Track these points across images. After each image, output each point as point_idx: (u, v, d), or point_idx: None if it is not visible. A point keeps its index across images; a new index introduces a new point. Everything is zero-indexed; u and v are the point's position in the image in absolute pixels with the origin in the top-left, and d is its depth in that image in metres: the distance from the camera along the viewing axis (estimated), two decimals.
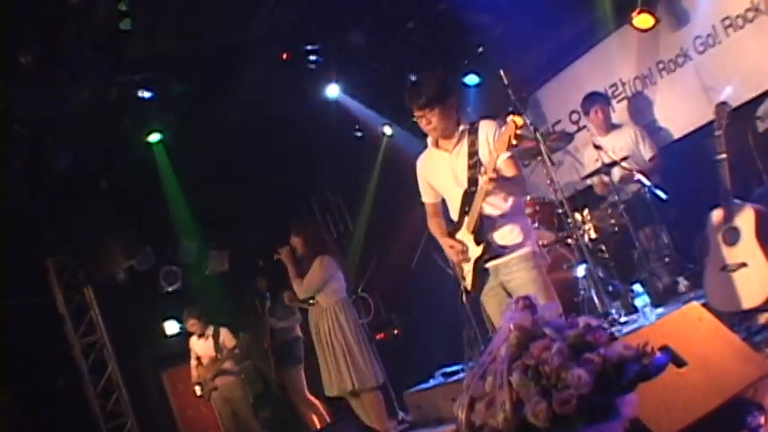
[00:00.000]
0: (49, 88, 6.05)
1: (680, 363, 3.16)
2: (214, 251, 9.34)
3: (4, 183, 7.12)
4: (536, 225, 6.10)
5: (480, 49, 7.63)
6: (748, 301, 4.39)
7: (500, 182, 3.79)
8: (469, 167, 3.96)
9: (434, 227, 4.29)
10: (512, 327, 2.92)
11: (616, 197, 6.05)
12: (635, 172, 6.04)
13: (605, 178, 6.22)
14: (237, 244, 9.37)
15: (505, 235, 3.99)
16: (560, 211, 6.15)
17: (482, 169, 3.83)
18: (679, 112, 6.63)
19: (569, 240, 6.22)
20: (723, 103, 4.74)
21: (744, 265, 4.43)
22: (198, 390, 7.93)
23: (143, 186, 8.12)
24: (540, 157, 6.05)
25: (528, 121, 6.66)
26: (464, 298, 4.26)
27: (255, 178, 9.00)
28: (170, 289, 9.10)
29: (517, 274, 3.96)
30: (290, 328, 7.30)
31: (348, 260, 8.86)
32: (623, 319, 5.35)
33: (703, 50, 6.27)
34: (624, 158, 6.12)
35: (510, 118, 3.82)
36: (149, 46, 6.21)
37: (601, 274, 5.88)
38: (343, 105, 8.04)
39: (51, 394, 8.37)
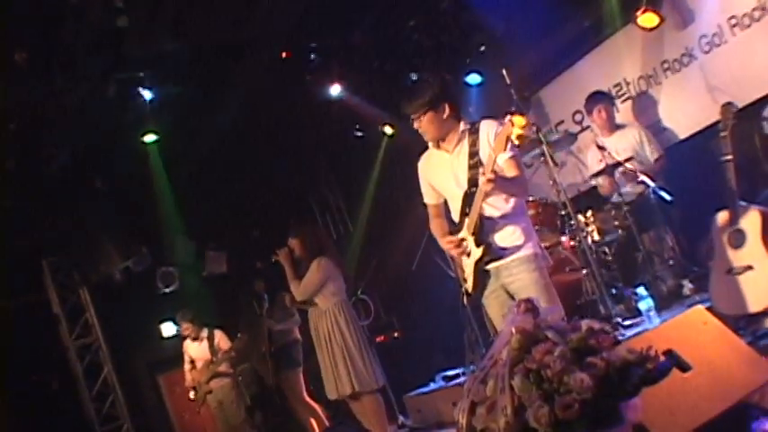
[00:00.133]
0: (44, 86, 6.04)
1: (684, 367, 3.16)
2: (212, 252, 9.35)
3: None
4: (537, 227, 6.09)
5: (482, 48, 7.62)
6: (754, 304, 4.38)
7: (500, 183, 3.78)
8: (470, 168, 3.97)
9: (436, 228, 4.30)
10: (513, 330, 2.91)
11: (620, 199, 6.04)
12: (639, 173, 6.03)
13: (609, 179, 6.21)
14: (235, 245, 9.38)
15: (506, 236, 3.99)
16: (563, 212, 6.15)
17: (481, 170, 3.84)
18: (684, 112, 6.62)
19: (572, 242, 6.21)
20: (729, 104, 4.73)
21: (750, 268, 4.43)
22: (192, 394, 7.92)
23: (139, 186, 8.11)
24: (542, 158, 6.05)
25: (530, 121, 6.68)
26: (465, 300, 4.26)
27: (254, 178, 9.00)
28: (167, 290, 9.10)
29: (518, 276, 3.95)
30: (289, 330, 7.29)
31: (348, 261, 8.87)
32: (627, 323, 5.34)
33: (709, 50, 6.26)
34: (628, 159, 6.11)
35: (508, 118, 3.81)
36: (146, 44, 6.20)
37: (604, 277, 5.87)
38: (343, 105, 8.04)
39: (45, 397, 8.36)
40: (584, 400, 2.61)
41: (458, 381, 6.48)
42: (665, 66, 6.66)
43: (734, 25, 6.04)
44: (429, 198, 4.33)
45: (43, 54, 5.70)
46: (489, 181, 3.71)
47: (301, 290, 6.03)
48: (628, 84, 7.02)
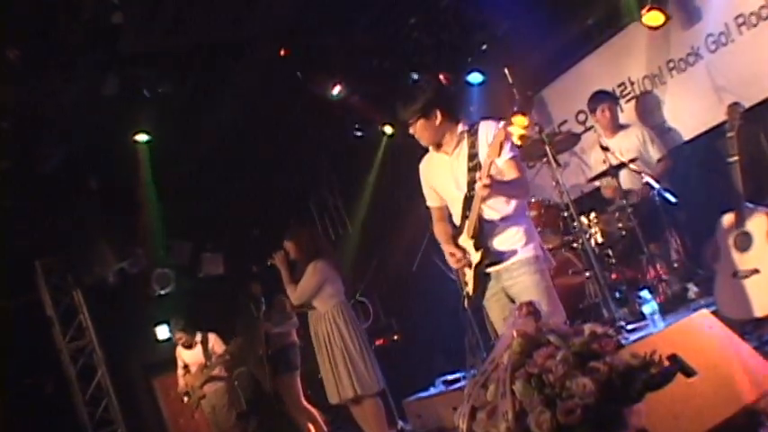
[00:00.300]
0: (37, 84, 6.04)
1: (689, 372, 3.16)
2: (208, 254, 9.35)
3: None
4: (540, 228, 6.09)
5: (484, 47, 7.61)
6: (760, 308, 4.38)
7: (497, 187, 3.78)
8: (469, 170, 3.98)
9: (439, 232, 4.31)
10: (515, 334, 2.91)
11: (624, 200, 6.04)
12: (643, 174, 6.03)
13: (613, 181, 6.21)
14: (232, 246, 9.38)
15: (507, 239, 4.00)
16: (566, 214, 6.14)
17: (478, 175, 3.84)
18: (690, 112, 6.62)
19: (575, 244, 6.21)
20: (735, 104, 4.74)
21: (756, 271, 4.43)
22: (185, 398, 7.92)
23: (135, 187, 8.10)
24: (545, 159, 6.05)
25: (533, 121, 6.69)
26: (466, 303, 4.27)
27: (251, 179, 9.00)
28: (162, 292, 9.10)
29: (519, 278, 3.96)
30: (286, 333, 7.29)
31: (346, 263, 8.87)
32: (630, 327, 5.33)
33: (715, 49, 6.26)
34: (632, 160, 6.11)
35: (502, 124, 3.83)
36: (143, 42, 6.19)
37: (607, 280, 5.87)
38: (342, 103, 8.04)
39: (38, 400, 8.36)
40: (586, 406, 2.61)
41: (458, 385, 6.47)
42: (671, 65, 6.65)
43: (741, 24, 6.03)
44: (431, 201, 4.34)
45: (37, 51, 5.69)
46: (486, 186, 3.71)
47: (298, 294, 6.06)
48: (632, 83, 7.01)
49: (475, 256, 4.01)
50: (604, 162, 6.10)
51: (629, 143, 6.45)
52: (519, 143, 6.72)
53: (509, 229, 4.00)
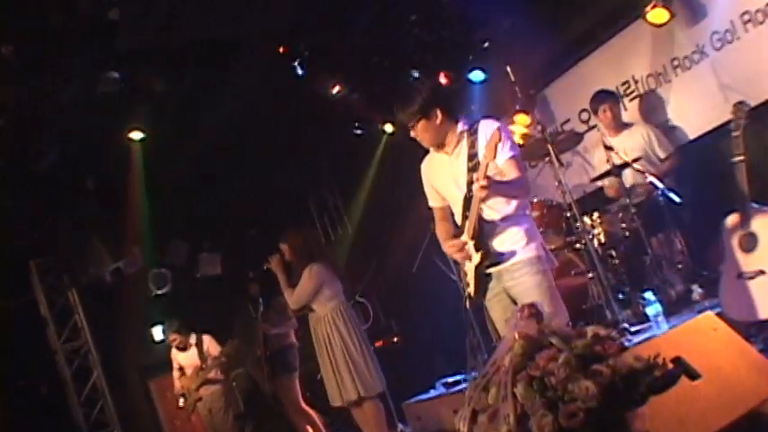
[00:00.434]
0: (32, 82, 6.03)
1: (693, 375, 3.16)
2: (206, 254, 9.34)
3: None
4: (542, 229, 6.09)
5: (486, 45, 7.62)
6: (766, 310, 4.38)
7: (495, 187, 3.78)
8: (469, 170, 3.98)
9: (440, 231, 4.33)
10: (516, 335, 2.91)
11: (627, 200, 6.04)
12: (647, 174, 6.02)
13: (616, 181, 6.21)
14: (230, 246, 9.38)
15: (507, 239, 4.00)
16: (568, 214, 6.15)
17: (475, 176, 3.84)
18: (694, 111, 6.61)
19: (578, 245, 6.21)
20: (741, 103, 4.73)
21: (761, 272, 4.42)
22: (181, 401, 7.92)
23: (130, 185, 8.09)
24: (547, 158, 6.04)
25: (536, 120, 6.69)
26: (468, 304, 4.27)
27: (250, 178, 9.00)
28: (159, 292, 9.09)
29: (520, 279, 3.96)
30: (285, 334, 7.29)
31: (345, 263, 8.87)
32: (634, 329, 5.34)
33: (721, 47, 6.25)
34: (636, 159, 6.11)
35: (496, 126, 3.83)
36: (140, 39, 6.19)
37: (611, 281, 5.86)
38: (342, 102, 8.03)
39: (33, 402, 8.35)
40: (589, 409, 2.61)
41: (459, 387, 6.47)
42: (675, 63, 6.65)
43: (747, 21, 6.02)
44: (433, 201, 4.35)
45: (31, 48, 5.69)
46: (483, 188, 3.71)
47: (294, 299, 6.12)
48: (636, 82, 7.01)
49: (475, 257, 4.01)
50: (608, 161, 6.10)
51: (633, 142, 6.45)
52: (521, 142, 6.73)
53: (510, 230, 4.00)
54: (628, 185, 6.21)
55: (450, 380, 6.81)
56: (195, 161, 8.22)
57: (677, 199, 5.89)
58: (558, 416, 2.64)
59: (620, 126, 6.61)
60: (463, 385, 6.42)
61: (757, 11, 5.94)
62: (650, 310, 5.23)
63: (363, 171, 9.30)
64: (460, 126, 4.09)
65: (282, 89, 7.67)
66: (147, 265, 8.91)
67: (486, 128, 3.98)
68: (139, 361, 9.35)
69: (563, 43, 7.51)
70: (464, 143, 4.04)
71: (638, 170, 6.10)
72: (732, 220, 4.60)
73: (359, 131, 8.82)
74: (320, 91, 7.72)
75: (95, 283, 8.65)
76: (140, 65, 6.49)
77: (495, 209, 4.00)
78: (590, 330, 2.89)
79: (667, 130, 6.71)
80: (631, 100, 7.04)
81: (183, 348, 7.90)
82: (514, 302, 3.98)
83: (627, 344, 3.27)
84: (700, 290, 5.66)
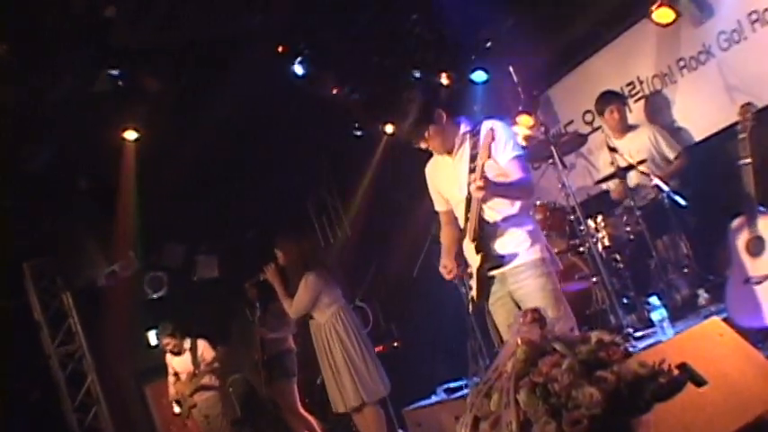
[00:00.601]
0: (26, 80, 6.03)
1: (699, 381, 3.16)
2: (202, 256, 9.34)
3: None
4: (545, 232, 6.09)
5: (488, 44, 7.61)
6: None
7: (494, 188, 3.80)
8: (470, 172, 3.98)
9: (443, 237, 4.37)
10: (519, 341, 2.91)
11: (632, 203, 6.04)
12: (653, 176, 6.02)
13: (621, 183, 6.21)
14: (228, 249, 9.38)
15: (510, 241, 4.01)
16: (572, 217, 6.15)
17: (472, 177, 3.85)
18: (700, 112, 6.62)
19: (581, 249, 6.21)
20: (748, 104, 4.73)
21: None
22: (176, 408, 7.91)
23: (125, 186, 8.08)
24: (550, 160, 6.04)
25: (539, 121, 6.69)
26: (471, 308, 4.27)
27: (248, 179, 9.00)
28: (155, 296, 9.09)
29: (525, 282, 3.97)
30: (282, 339, 7.29)
31: (345, 267, 8.87)
32: (639, 334, 5.33)
33: (728, 47, 6.25)
34: (641, 162, 6.11)
35: (489, 127, 3.84)
36: (136, 37, 6.19)
37: (615, 286, 5.86)
38: (341, 102, 8.03)
39: (25, 407, 8.34)
40: (593, 416, 2.61)
41: (460, 393, 6.46)
42: (681, 64, 6.65)
43: (754, 21, 6.02)
44: (438, 205, 4.37)
45: (25, 46, 5.68)
46: (479, 188, 3.71)
47: (293, 310, 6.20)
48: (641, 82, 7.01)
49: (476, 260, 4.02)
50: (612, 164, 6.10)
51: (639, 144, 6.45)
52: (523, 144, 6.72)
53: (512, 231, 4.01)
54: (632, 188, 6.21)
55: (452, 386, 6.80)
56: (192, 162, 8.21)
57: (683, 202, 5.89)
58: (562, 423, 2.64)
59: (625, 128, 6.61)
60: (464, 391, 6.42)
61: (765, 10, 5.94)
62: (655, 315, 5.22)
63: (363, 172, 9.30)
64: (463, 127, 4.10)
65: (281, 89, 7.66)
66: (142, 267, 8.90)
67: (488, 128, 3.99)
68: (135, 365, 9.34)
69: (567, 43, 7.52)
70: (467, 144, 4.05)
71: (643, 172, 6.10)
72: (739, 223, 4.60)
73: (359, 132, 8.82)
74: (320, 91, 7.72)
75: (90, 286, 8.64)
76: (136, 64, 6.49)
77: (497, 209, 4.00)
78: (594, 336, 2.89)
79: (672, 132, 6.71)
80: (636, 101, 7.04)
81: (178, 353, 7.90)
82: (518, 306, 3.99)
83: (631, 349, 3.28)
84: (706, 294, 5.66)
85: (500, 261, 4.00)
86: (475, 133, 4.03)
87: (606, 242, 6.16)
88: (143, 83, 6.61)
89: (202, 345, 7.86)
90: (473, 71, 7.73)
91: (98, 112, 6.82)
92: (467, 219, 4.04)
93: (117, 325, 8.88)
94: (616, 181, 6.28)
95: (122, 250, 8.52)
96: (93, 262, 8.44)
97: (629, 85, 7.08)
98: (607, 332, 2.95)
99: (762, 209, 4.53)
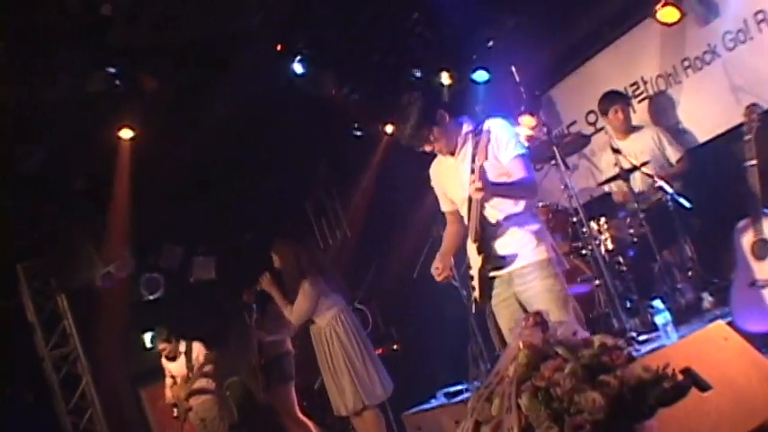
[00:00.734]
0: (20, 79, 6.03)
1: (704, 387, 3.16)
2: (199, 257, 9.33)
3: None
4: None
5: (490, 44, 7.62)
6: None
7: (493, 189, 3.80)
8: (472, 172, 3.97)
9: (445, 237, 4.38)
10: (521, 345, 2.91)
11: (635, 205, 6.04)
12: (656, 178, 6.02)
13: (624, 185, 6.21)
14: (225, 250, 9.37)
15: (511, 242, 4.01)
16: (575, 219, 6.14)
17: (471, 178, 3.85)
18: (705, 113, 6.62)
19: (584, 251, 6.21)
20: (754, 105, 4.74)
21: None
22: (175, 411, 7.91)
23: (120, 186, 8.07)
24: (553, 161, 6.05)
25: (541, 122, 6.69)
26: (474, 309, 4.27)
27: (245, 180, 9.00)
28: (151, 297, 9.08)
29: (531, 283, 3.96)
30: (280, 342, 7.28)
31: (344, 269, 8.87)
32: (642, 338, 5.34)
33: (733, 47, 6.26)
34: (645, 163, 6.11)
35: (487, 128, 3.84)
36: (133, 35, 6.19)
37: (618, 289, 5.86)
38: (340, 102, 8.03)
39: (18, 410, 8.33)
40: (595, 421, 2.60)
41: (461, 397, 6.47)
42: (686, 64, 6.65)
43: (761, 21, 6.03)
44: (444, 206, 4.39)
45: (20, 45, 5.68)
46: (477, 190, 3.71)
47: (294, 318, 6.25)
48: (645, 83, 7.02)
49: (477, 260, 4.02)
50: (615, 165, 6.10)
51: (642, 145, 6.45)
52: (526, 144, 6.71)
53: (515, 231, 4.01)
54: (636, 190, 6.21)
55: (452, 390, 6.81)
56: (190, 162, 8.21)
57: (687, 204, 5.89)
58: (564, 428, 2.64)
59: (629, 128, 6.62)
60: (465, 395, 6.42)
61: None
62: (659, 319, 5.22)
63: (363, 173, 9.30)
64: (465, 127, 4.10)
65: (280, 89, 7.66)
66: (138, 269, 8.90)
67: (492, 126, 3.99)
68: (130, 368, 9.33)
69: (570, 43, 7.52)
70: (469, 144, 4.05)
71: (647, 174, 6.10)
72: (744, 226, 4.60)
73: (358, 132, 8.82)
74: (319, 91, 7.72)
75: (85, 288, 8.63)
76: (134, 63, 6.49)
77: (499, 209, 4.00)
78: (597, 340, 2.89)
79: (678, 133, 6.71)
80: (640, 102, 7.05)
81: (173, 358, 7.90)
82: (524, 308, 3.98)
83: (635, 354, 3.28)
84: (710, 298, 5.66)
85: (501, 262, 4.00)
86: (477, 133, 4.03)
87: (609, 245, 6.17)
88: (140, 82, 6.61)
89: (198, 347, 7.86)
90: (474, 71, 7.73)
91: (95, 111, 6.82)
92: (469, 219, 4.04)
93: (112, 327, 8.87)
94: (619, 183, 6.28)
95: (118, 251, 8.51)
96: (88, 263, 8.43)
97: (632, 85, 7.09)
98: (610, 336, 2.94)
99: (767, 211, 4.53)
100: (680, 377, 2.88)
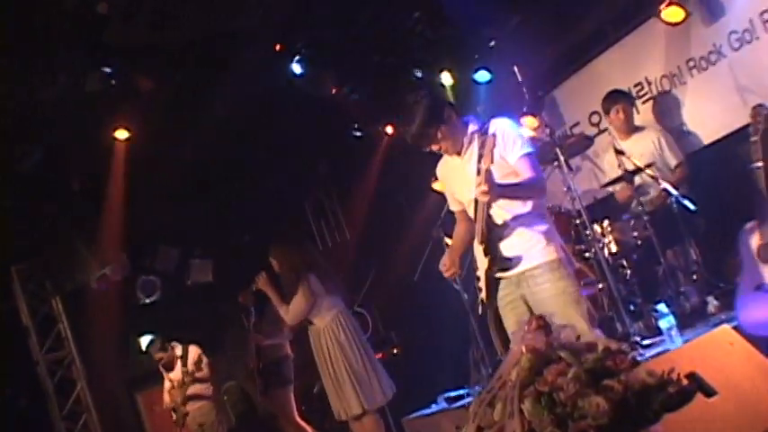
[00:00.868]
0: (16, 79, 6.04)
1: (709, 392, 3.16)
2: (197, 260, 9.33)
3: None
4: None
5: (492, 43, 7.62)
6: None
7: (500, 190, 3.78)
8: (478, 173, 3.97)
9: (454, 235, 4.40)
10: (524, 349, 2.91)
11: (640, 208, 6.04)
12: (661, 180, 6.02)
13: (628, 186, 6.21)
14: (223, 252, 9.37)
15: (518, 243, 4.00)
16: (578, 221, 6.14)
17: (477, 180, 3.85)
18: (711, 114, 6.62)
19: (587, 254, 6.21)
20: (760, 106, 4.73)
21: None
22: (173, 414, 7.92)
23: (116, 187, 8.07)
24: (555, 163, 6.05)
25: (544, 123, 6.69)
26: (480, 310, 4.27)
27: (243, 181, 9.00)
28: (147, 300, 9.08)
29: (543, 285, 3.96)
30: (279, 345, 7.29)
31: (344, 272, 8.87)
32: (646, 343, 5.34)
33: (739, 47, 6.26)
34: (649, 165, 6.11)
35: (492, 131, 3.84)
36: (130, 34, 6.19)
37: (622, 293, 5.86)
38: (340, 102, 8.04)
39: (12, 416, 8.33)
40: (599, 427, 2.60)
41: (462, 402, 6.47)
42: (691, 64, 6.66)
43: (767, 20, 6.03)
44: (452, 206, 4.40)
45: (16, 43, 5.69)
46: (483, 193, 3.71)
47: (290, 317, 6.22)
48: (649, 83, 7.02)
49: (484, 262, 4.03)
50: (619, 167, 6.10)
51: (643, 147, 6.46)
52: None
53: (522, 232, 4.00)
54: (640, 192, 6.21)
55: (453, 394, 6.81)
56: (187, 163, 8.22)
57: (692, 206, 5.89)
58: None
59: (631, 129, 6.62)
60: (466, 400, 6.42)
61: None
62: (663, 323, 5.21)
63: (363, 174, 9.31)
64: (471, 127, 4.11)
65: (279, 89, 7.67)
66: (134, 271, 8.90)
67: (496, 128, 3.99)
68: (126, 373, 9.33)
69: (573, 42, 7.52)
70: (475, 144, 4.04)
71: (651, 176, 6.10)
72: (750, 228, 4.60)
73: (358, 133, 8.83)
74: (318, 91, 7.73)
75: (80, 291, 8.63)
76: (130, 62, 6.49)
77: (506, 209, 4.00)
78: (600, 344, 2.89)
79: (682, 135, 6.71)
80: (644, 102, 7.05)
81: (170, 368, 7.89)
82: (531, 310, 3.97)
83: (639, 358, 3.28)
84: (715, 302, 5.66)
85: (507, 264, 4.00)
86: (483, 132, 4.02)
87: (613, 247, 6.16)
88: (137, 82, 6.61)
89: (194, 351, 7.86)
90: (476, 71, 7.73)
91: (91, 111, 6.83)
92: (476, 220, 4.04)
93: (108, 331, 8.87)
94: (623, 184, 6.28)
95: (114, 253, 8.51)
96: (83, 265, 8.43)
97: (636, 85, 7.09)
98: (614, 340, 2.95)
99: None
100: (685, 382, 2.88)
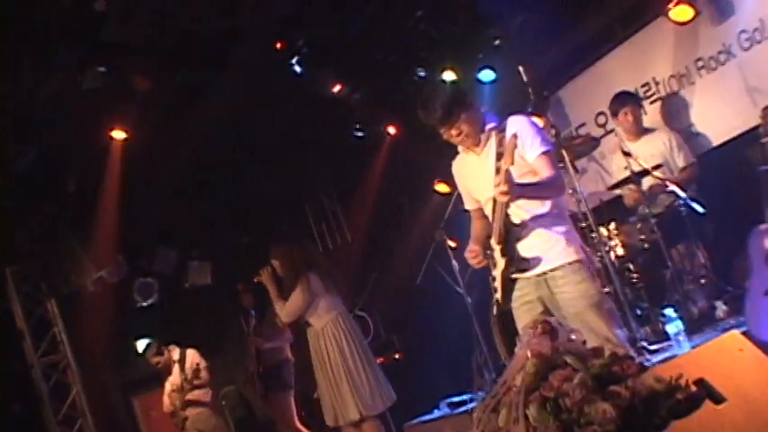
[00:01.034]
0: (12, 77, 6.04)
1: (718, 398, 3.15)
2: (195, 262, 9.34)
3: None
4: None
5: (497, 42, 7.62)
6: None
7: (519, 190, 3.77)
8: (497, 171, 3.96)
9: (473, 229, 4.37)
10: (529, 354, 2.91)
11: (647, 210, 6.04)
12: (668, 182, 6.02)
13: (635, 189, 6.21)
14: (222, 255, 9.38)
15: (536, 244, 3.99)
16: (584, 224, 6.14)
17: (495, 180, 3.84)
18: (720, 115, 6.62)
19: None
20: None
21: None
22: (173, 418, 7.92)
23: (113, 188, 8.08)
24: (561, 164, 6.05)
25: (549, 124, 6.69)
26: (495, 310, 4.25)
27: (243, 182, 9.01)
28: (145, 303, 9.08)
29: (564, 288, 3.95)
30: (279, 349, 7.29)
31: (344, 274, 8.87)
32: (653, 348, 5.34)
33: (749, 47, 6.26)
34: (657, 167, 6.11)
35: (512, 134, 3.84)
36: (128, 32, 6.20)
37: (628, 296, 5.86)
38: (341, 102, 8.04)
39: (5, 421, 8.33)
40: None
41: (465, 408, 6.48)
42: (700, 64, 6.66)
43: None
44: (468, 204, 4.38)
45: (12, 42, 5.70)
46: (503, 194, 3.70)
47: (286, 312, 6.16)
48: (657, 83, 7.02)
49: (501, 262, 4.02)
50: (626, 168, 6.10)
51: (653, 148, 6.45)
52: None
53: (540, 233, 4.00)
54: (647, 194, 6.21)
55: (456, 400, 6.82)
56: (185, 163, 8.23)
57: (700, 209, 5.89)
58: None
59: (640, 131, 6.61)
60: (469, 406, 6.43)
61: None
62: (671, 328, 5.22)
63: (364, 176, 9.31)
64: (488, 124, 4.10)
65: (279, 88, 7.68)
66: (131, 273, 8.90)
67: (514, 126, 3.98)
68: (122, 377, 9.35)
69: (579, 41, 7.52)
70: (492, 141, 4.04)
71: (658, 178, 6.10)
72: (760, 231, 4.60)
73: (360, 134, 8.83)
74: (319, 90, 7.73)
75: (76, 293, 8.63)
76: (128, 60, 6.50)
77: (525, 209, 3.99)
78: (607, 349, 2.89)
79: (690, 136, 6.71)
80: (652, 103, 7.04)
81: (168, 372, 7.89)
82: (549, 312, 3.96)
83: (646, 364, 3.28)
84: (724, 307, 5.66)
85: (525, 264, 3.98)
86: (501, 130, 4.02)
87: (619, 251, 6.16)
88: (134, 81, 6.62)
89: (192, 355, 7.86)
90: (480, 70, 7.73)
91: (88, 111, 6.84)
92: (494, 219, 4.04)
93: (104, 334, 8.88)
94: (630, 186, 6.28)
95: (110, 255, 8.51)
96: (79, 267, 8.43)
97: (644, 86, 7.09)
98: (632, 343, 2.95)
99: None
100: (693, 388, 2.88)
